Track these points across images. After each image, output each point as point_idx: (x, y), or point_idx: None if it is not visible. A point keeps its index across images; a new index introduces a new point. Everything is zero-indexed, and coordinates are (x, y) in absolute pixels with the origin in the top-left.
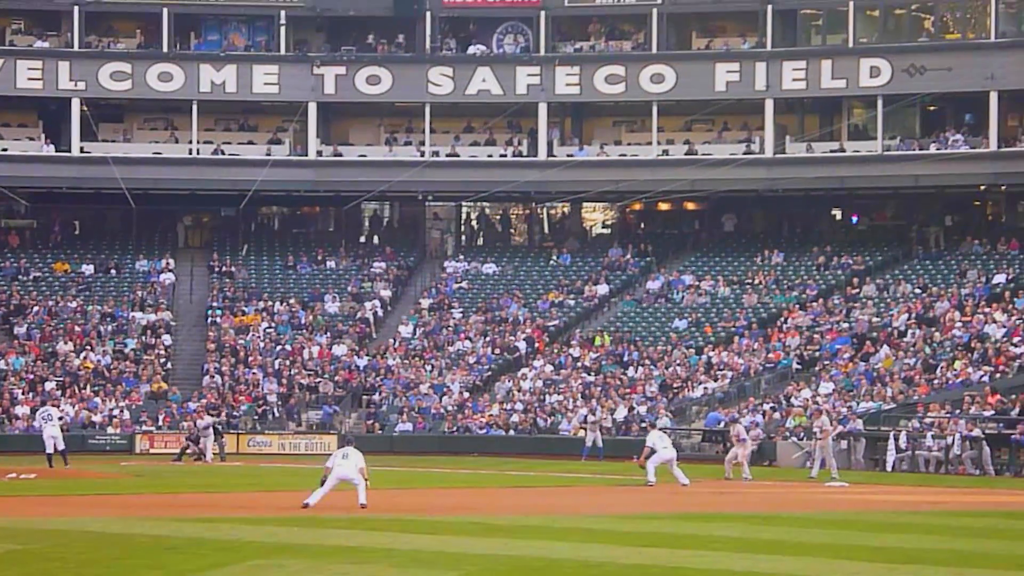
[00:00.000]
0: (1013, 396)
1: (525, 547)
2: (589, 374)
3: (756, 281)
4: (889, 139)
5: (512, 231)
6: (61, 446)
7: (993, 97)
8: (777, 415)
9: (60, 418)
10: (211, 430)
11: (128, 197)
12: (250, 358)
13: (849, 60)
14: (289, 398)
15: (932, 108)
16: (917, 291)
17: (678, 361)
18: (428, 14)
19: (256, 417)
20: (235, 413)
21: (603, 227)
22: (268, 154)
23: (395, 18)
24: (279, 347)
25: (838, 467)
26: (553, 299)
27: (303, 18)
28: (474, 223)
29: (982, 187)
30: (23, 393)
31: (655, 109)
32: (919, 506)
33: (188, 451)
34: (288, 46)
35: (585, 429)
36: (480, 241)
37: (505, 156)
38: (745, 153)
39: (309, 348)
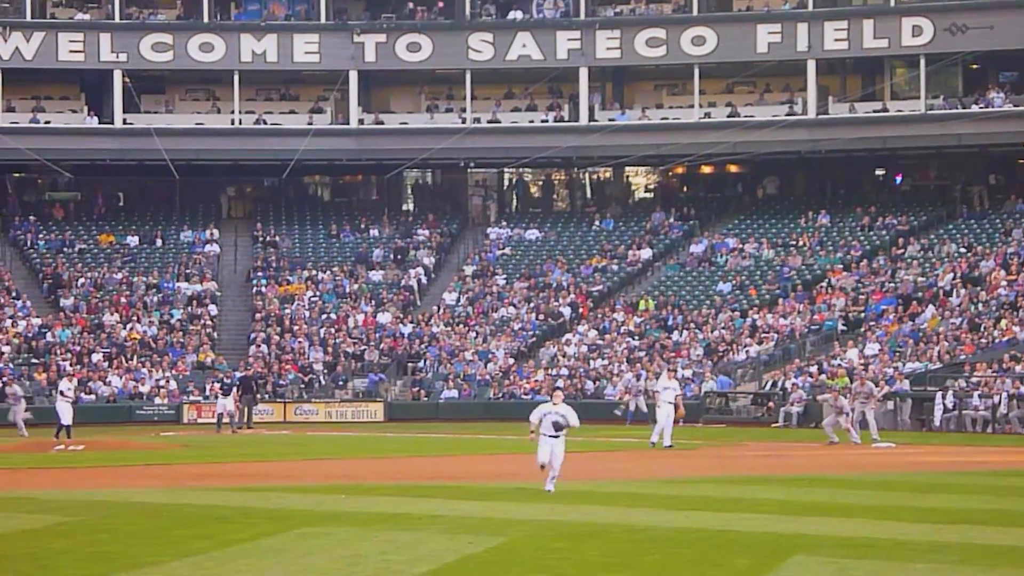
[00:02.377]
0: None
1: (571, 512)
2: (634, 339)
3: (800, 243)
4: (932, 98)
5: (554, 197)
6: (67, 421)
7: None
8: (823, 377)
9: (68, 392)
10: (21, 400)
11: (171, 168)
12: (295, 327)
13: (891, 20)
14: (335, 366)
15: (974, 67)
16: (962, 250)
17: (723, 324)
18: None
19: (302, 386)
20: (281, 382)
21: (645, 191)
22: (310, 123)
23: None
24: (324, 316)
25: (885, 428)
26: (596, 264)
27: None
28: (516, 189)
29: None
30: (71, 365)
31: (696, 72)
32: (966, 466)
33: (230, 420)
34: (328, 15)
35: (628, 394)
36: (522, 207)
37: (546, 121)
38: (787, 115)
39: (354, 316)
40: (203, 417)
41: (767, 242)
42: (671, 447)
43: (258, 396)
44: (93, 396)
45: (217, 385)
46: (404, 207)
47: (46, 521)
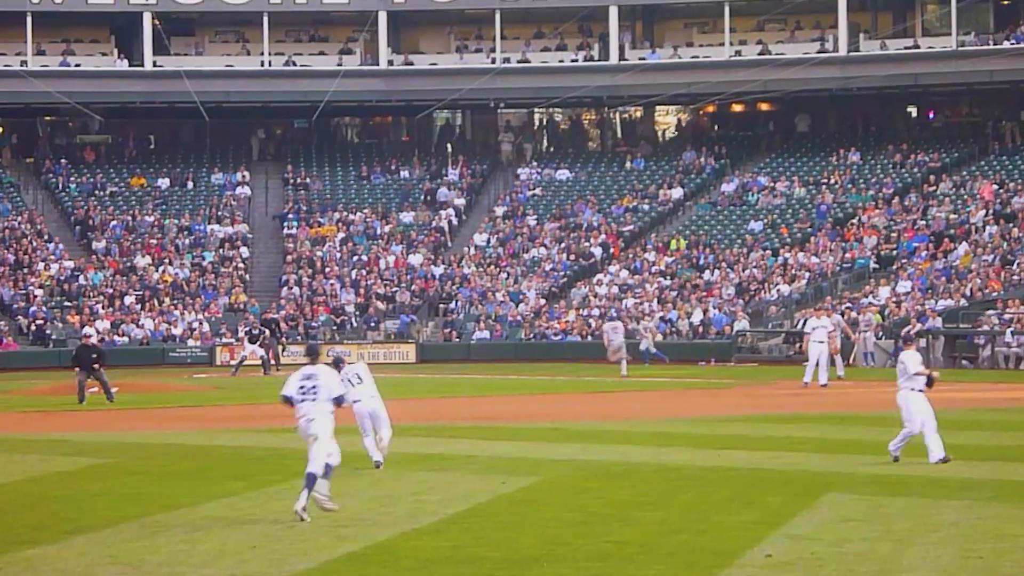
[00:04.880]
0: None
1: (604, 452)
2: (665, 278)
3: (832, 181)
4: (963, 35)
5: (585, 136)
6: None
7: None
8: (854, 314)
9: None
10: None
11: (201, 111)
12: (327, 269)
13: None
14: (366, 308)
15: (1006, 2)
16: (994, 187)
17: (754, 263)
18: None
19: (334, 328)
20: (313, 324)
21: (676, 130)
22: (339, 65)
23: None
24: (355, 258)
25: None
26: (627, 204)
27: None
28: (547, 129)
29: None
30: (103, 308)
31: (727, 10)
32: (999, 403)
33: (263, 364)
34: None
35: (639, 335)
36: (553, 147)
37: (576, 61)
38: (819, 52)
39: (385, 258)
40: (236, 359)
41: (798, 180)
42: (825, 386)
43: (282, 338)
44: (126, 339)
45: (243, 334)
46: (434, 148)
47: (81, 463)
